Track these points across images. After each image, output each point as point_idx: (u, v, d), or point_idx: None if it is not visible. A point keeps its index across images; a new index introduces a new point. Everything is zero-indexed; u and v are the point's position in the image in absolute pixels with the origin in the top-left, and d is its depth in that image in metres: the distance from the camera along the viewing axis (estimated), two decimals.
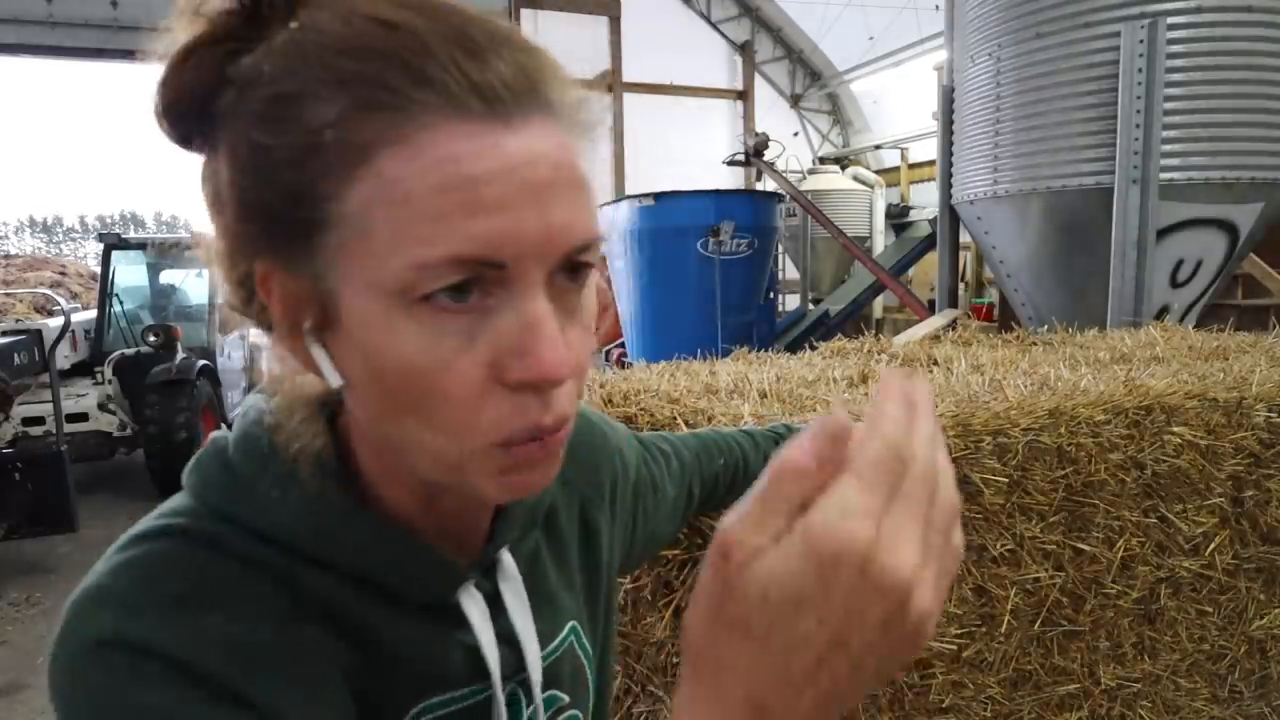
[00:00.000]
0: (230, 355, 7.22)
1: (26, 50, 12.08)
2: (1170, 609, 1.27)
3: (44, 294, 6.69)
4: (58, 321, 5.40)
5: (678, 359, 1.94)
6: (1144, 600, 1.25)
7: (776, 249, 9.07)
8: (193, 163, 0.44)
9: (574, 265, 0.41)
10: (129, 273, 7.20)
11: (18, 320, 6.09)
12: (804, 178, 12.75)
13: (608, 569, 0.65)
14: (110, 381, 5.99)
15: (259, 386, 0.51)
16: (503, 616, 0.53)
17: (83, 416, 5.75)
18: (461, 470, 0.41)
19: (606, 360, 10.52)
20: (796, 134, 16.30)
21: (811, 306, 11.24)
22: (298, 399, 0.47)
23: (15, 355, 5.25)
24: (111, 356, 6.08)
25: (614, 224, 8.99)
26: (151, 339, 5.98)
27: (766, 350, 2.01)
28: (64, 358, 6.00)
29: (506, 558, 0.54)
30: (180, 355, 5.95)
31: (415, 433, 0.41)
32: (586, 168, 0.43)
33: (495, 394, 0.39)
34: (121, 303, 6.77)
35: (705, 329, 8.35)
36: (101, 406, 5.86)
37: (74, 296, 17.30)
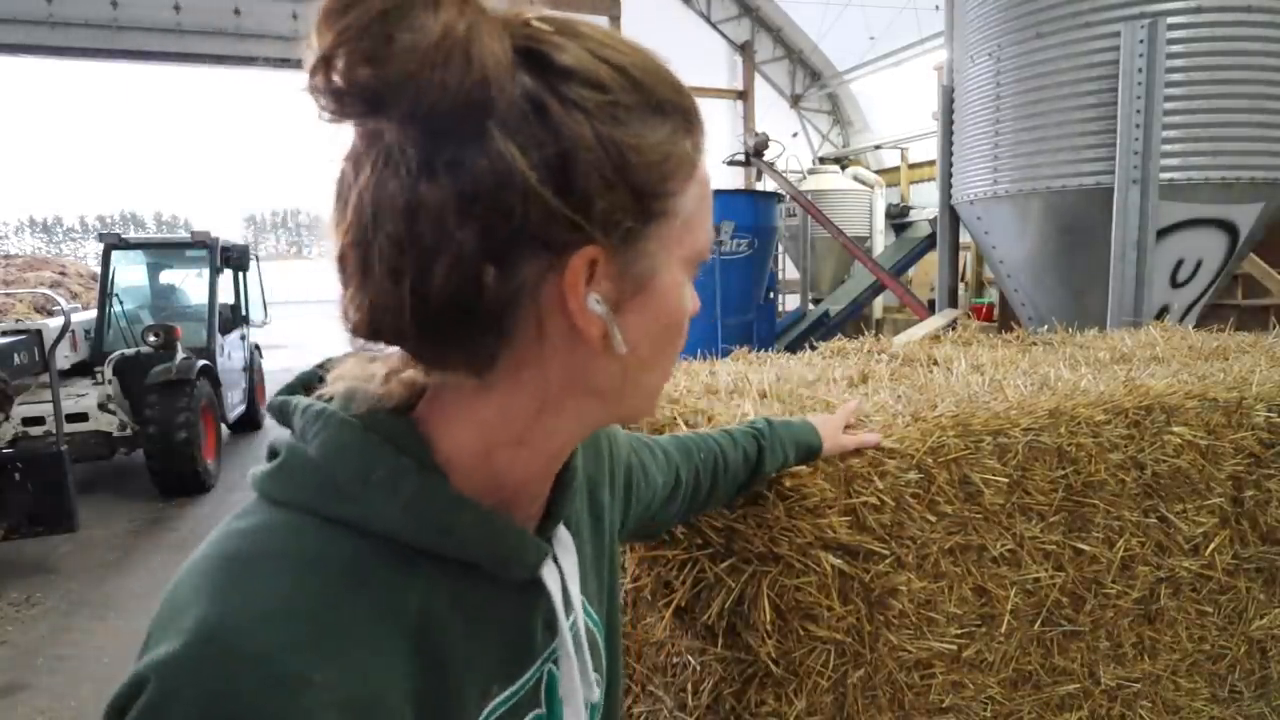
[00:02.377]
0: (230, 355, 7.22)
1: (27, 50, 12.07)
2: (1170, 609, 1.27)
3: (44, 294, 6.67)
4: (58, 321, 5.39)
5: (678, 359, 1.93)
6: (1144, 600, 1.25)
7: (776, 249, 9.08)
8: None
9: None
10: (129, 273, 7.20)
11: (18, 320, 6.08)
12: (804, 177, 12.75)
13: (610, 545, 0.72)
14: (110, 381, 5.98)
15: (320, 393, 0.53)
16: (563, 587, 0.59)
17: (83, 416, 5.75)
18: (655, 397, 0.56)
19: None
20: (796, 134, 16.30)
21: (811, 306, 11.24)
22: (383, 399, 0.51)
23: (15, 355, 5.25)
24: (111, 356, 6.08)
25: None
26: (151, 339, 5.98)
27: (766, 350, 2.01)
28: (64, 358, 6.00)
29: (563, 530, 0.61)
30: (180, 355, 5.95)
31: (665, 368, 0.54)
32: None
33: None
34: (121, 303, 6.77)
35: (705, 329, 8.35)
36: (101, 406, 5.86)
37: (74, 296, 17.27)
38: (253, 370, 8.15)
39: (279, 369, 11.89)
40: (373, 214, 0.43)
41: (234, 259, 7.32)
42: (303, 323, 22.54)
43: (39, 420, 5.52)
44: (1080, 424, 1.18)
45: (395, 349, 0.49)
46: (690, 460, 0.91)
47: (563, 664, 0.58)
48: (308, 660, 0.41)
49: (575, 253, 0.45)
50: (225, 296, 7.27)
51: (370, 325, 0.47)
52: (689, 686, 1.12)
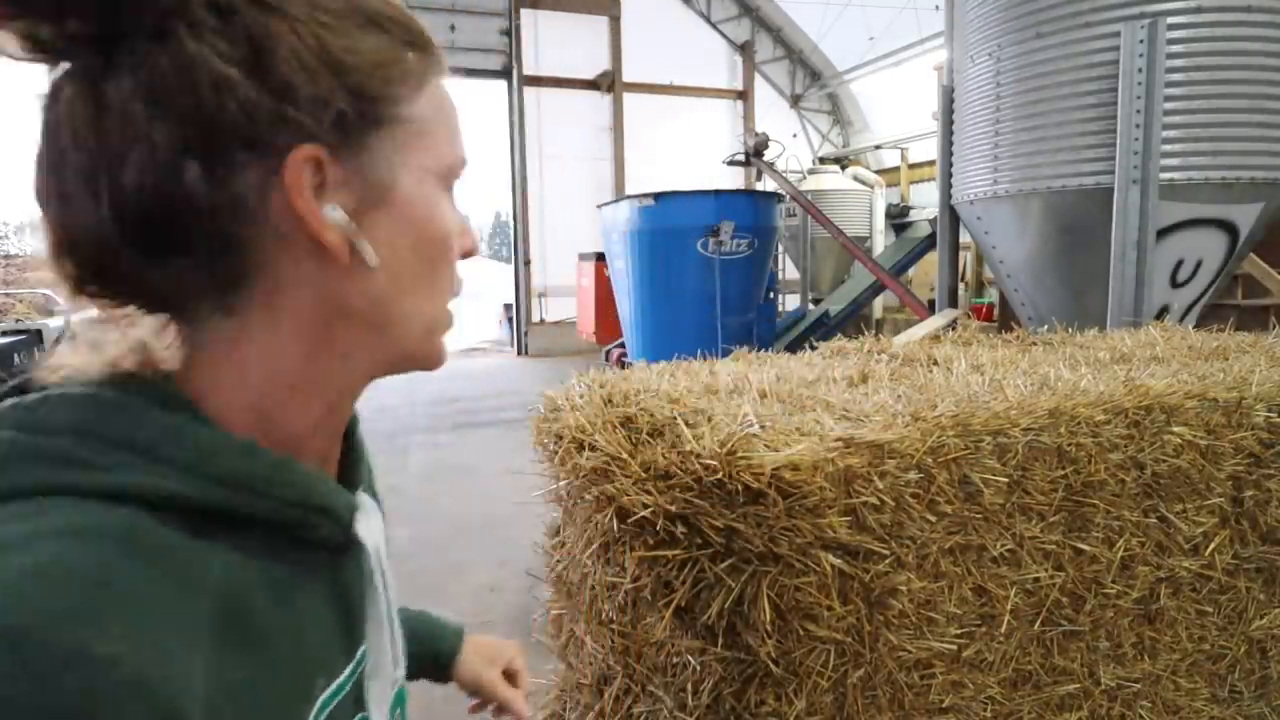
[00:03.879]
0: None
1: None
2: (1170, 609, 1.27)
3: (44, 294, 6.67)
4: (58, 321, 5.39)
5: (678, 359, 1.94)
6: (1144, 600, 1.25)
7: (776, 249, 9.08)
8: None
9: None
10: None
11: (18, 320, 6.08)
12: (804, 178, 12.74)
13: None
14: None
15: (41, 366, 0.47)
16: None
17: None
18: (438, 333, 0.53)
19: (606, 360, 10.52)
20: (796, 135, 16.30)
21: (811, 306, 11.25)
22: (129, 369, 0.45)
23: (15, 355, 5.25)
24: None
25: (614, 224, 8.99)
26: None
27: (767, 350, 2.01)
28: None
29: (363, 494, 0.57)
30: None
31: (437, 292, 0.51)
32: None
33: None
34: None
35: (706, 329, 8.35)
36: None
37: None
38: None
39: None
40: (69, 132, 0.41)
41: None
42: None
43: None
44: (1080, 424, 1.18)
45: (139, 331, 0.46)
46: None
47: (372, 635, 0.54)
48: (84, 631, 0.33)
49: (290, 152, 0.43)
50: None
51: (81, 267, 0.43)
52: (689, 686, 1.12)
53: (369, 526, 0.53)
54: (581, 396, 1.56)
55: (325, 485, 0.49)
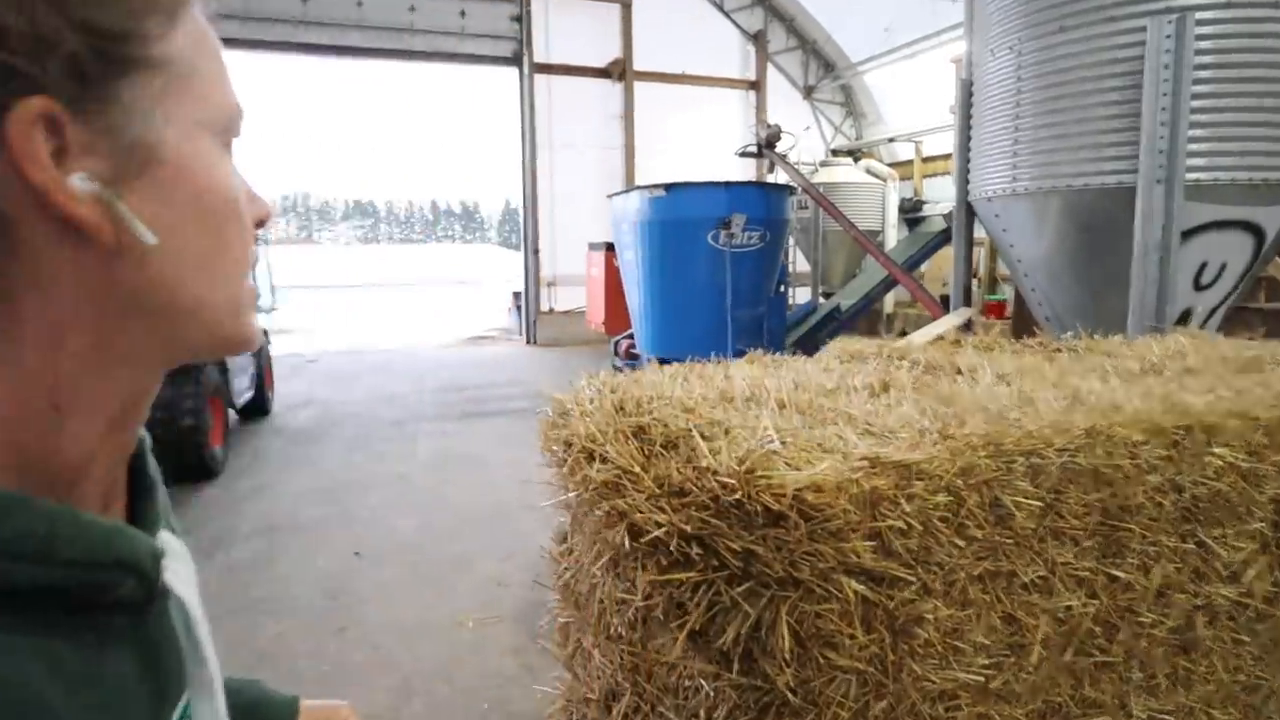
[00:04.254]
0: None
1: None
2: (1206, 638, 1.22)
3: None
4: None
5: (691, 358, 1.89)
6: (1179, 629, 1.20)
7: (788, 242, 8.99)
8: None
9: None
10: None
11: None
12: (816, 170, 12.62)
13: None
14: None
15: None
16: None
17: None
18: (243, 313, 0.44)
19: (615, 351, 10.47)
20: (809, 128, 16.14)
21: (822, 300, 11.15)
22: None
23: None
24: None
25: (624, 214, 8.91)
26: None
27: (778, 347, 1.95)
28: None
29: (166, 535, 0.47)
30: None
31: (227, 272, 0.43)
32: None
33: None
34: None
35: (715, 322, 8.28)
36: None
37: None
38: (261, 356, 8.14)
39: (287, 354, 11.85)
40: None
41: None
42: (310, 307, 22.56)
43: None
44: (1118, 444, 1.13)
45: None
46: None
47: (196, 705, 0.44)
48: None
49: (11, 108, 0.33)
50: None
51: None
52: (701, 712, 1.07)
53: (179, 573, 0.43)
54: (591, 401, 1.52)
55: (121, 535, 0.39)
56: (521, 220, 14.18)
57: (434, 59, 13.77)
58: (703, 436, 1.09)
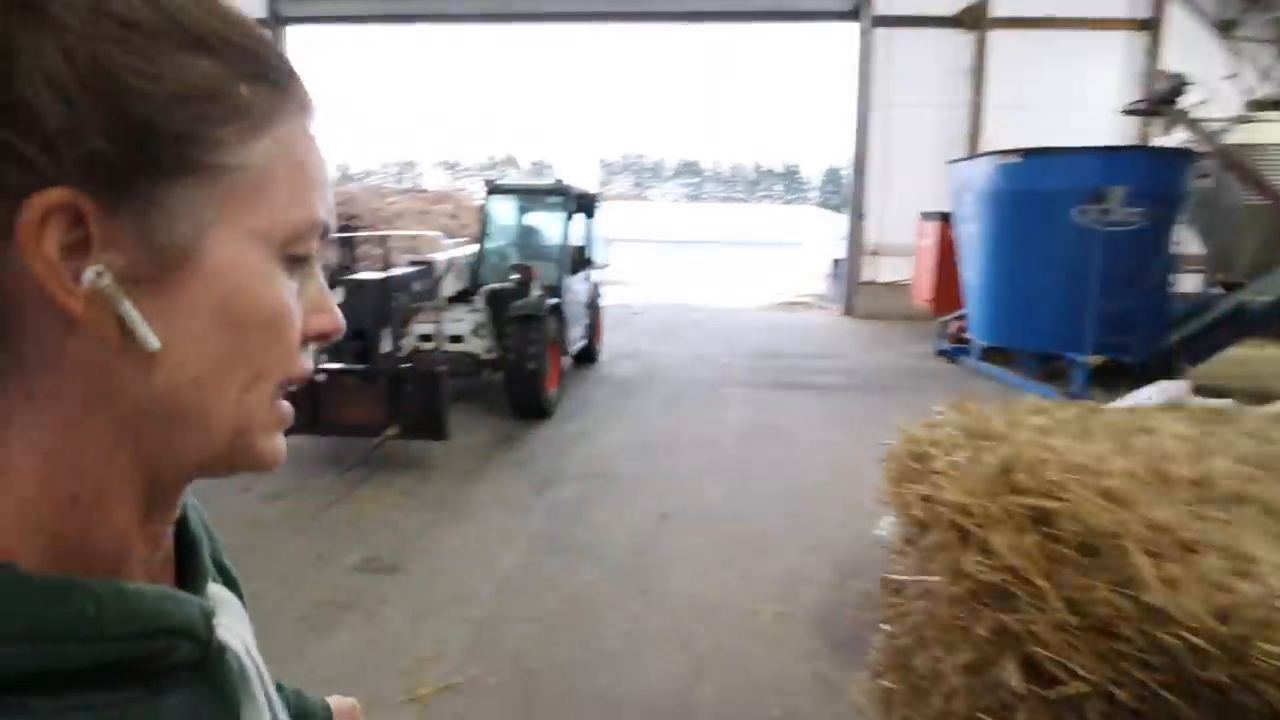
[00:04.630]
0: (575, 293, 7.88)
1: (425, 18, 14.14)
2: None
3: (435, 236, 7.82)
4: (448, 254, 6.30)
5: (1033, 352, 1.51)
6: None
7: (1178, 221, 7.37)
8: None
9: None
10: (503, 214, 8.14)
11: (419, 254, 7.23)
12: (1230, 127, 10.17)
13: None
14: (482, 310, 6.88)
15: None
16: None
17: (459, 339, 6.70)
18: (253, 432, 0.42)
19: (943, 335, 9.61)
20: (1235, 75, 13.00)
21: (1218, 291, 9.05)
22: None
23: (414, 283, 6.24)
24: (484, 288, 6.96)
25: (967, 182, 8.00)
26: (514, 276, 6.72)
27: (1154, 351, 1.48)
28: (449, 287, 7.01)
29: (215, 586, 0.49)
30: (535, 293, 6.61)
31: (243, 384, 0.40)
32: None
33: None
34: (496, 240, 7.71)
35: (1071, 312, 7.13)
36: (474, 332, 6.76)
37: (464, 227, 20.46)
38: (594, 308, 8.85)
39: (615, 304, 12.78)
40: None
41: (584, 205, 7.91)
42: (640, 261, 24.22)
43: (428, 338, 6.56)
44: None
45: None
46: None
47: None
48: None
49: (27, 197, 0.33)
50: (575, 239, 7.91)
51: None
52: None
53: (230, 626, 0.45)
54: (958, 447, 1.25)
55: (171, 601, 0.39)
56: (849, 183, 13.55)
57: (771, 19, 13.57)
58: (1148, 552, 0.80)
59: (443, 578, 3.77)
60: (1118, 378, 7.56)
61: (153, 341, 0.36)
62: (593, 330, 8.76)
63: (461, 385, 6.88)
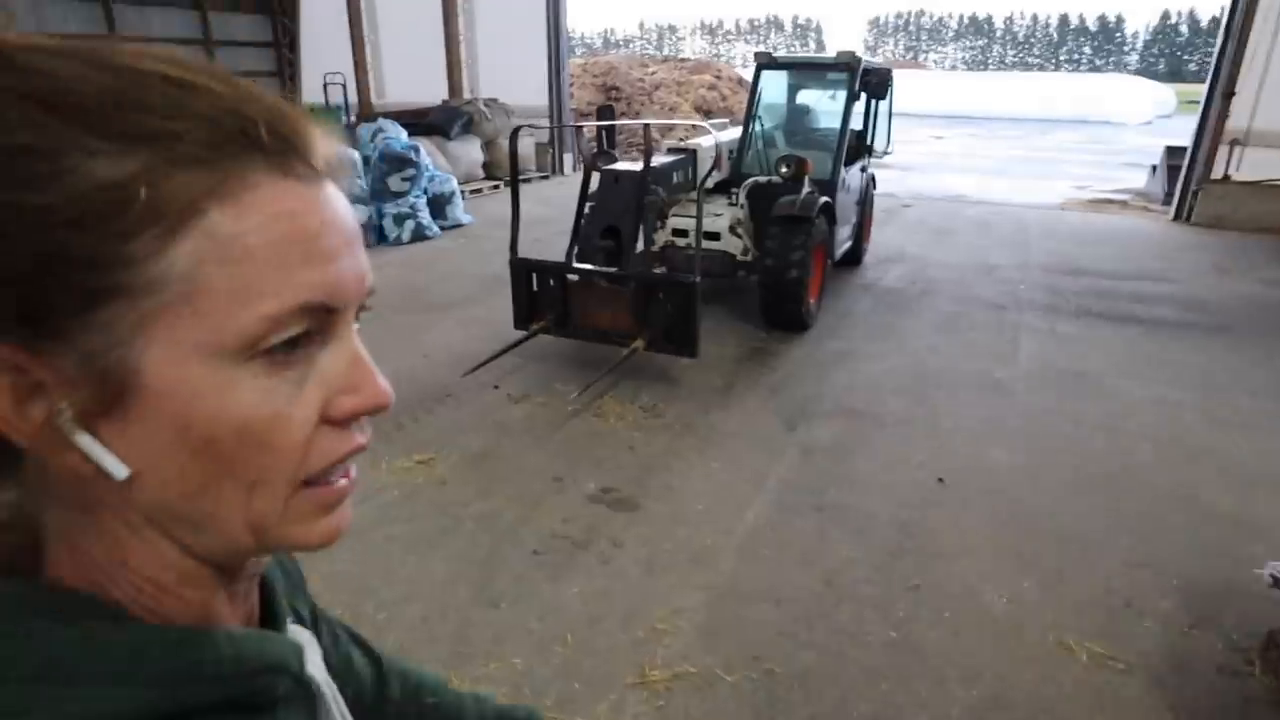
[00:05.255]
0: (849, 188, 6.89)
1: None
2: None
3: (700, 125, 7.08)
4: (713, 139, 5.68)
5: None
6: None
7: None
8: None
9: (363, 305, 0.44)
10: (770, 90, 7.19)
11: (681, 139, 6.62)
12: None
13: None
14: (742, 206, 6.21)
15: None
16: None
17: (715, 235, 6.13)
18: (280, 527, 0.41)
19: None
20: None
21: None
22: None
23: (674, 174, 5.70)
24: (746, 181, 6.25)
25: None
26: (783, 170, 5.92)
27: None
28: (710, 179, 6.38)
29: (295, 627, 0.54)
30: (806, 190, 5.78)
31: (232, 499, 0.39)
32: None
33: (321, 432, 0.41)
34: (762, 123, 6.86)
35: None
36: (731, 229, 6.15)
37: (723, 99, 19.38)
38: (865, 203, 7.78)
39: (882, 193, 11.36)
40: None
41: (872, 85, 6.72)
42: (909, 140, 21.58)
43: (684, 233, 6.07)
44: None
45: None
46: (395, 684, 0.71)
47: None
48: None
49: None
50: (855, 123, 6.82)
51: None
52: None
53: (314, 660, 0.50)
54: None
55: (268, 641, 0.44)
56: (1216, 48, 10.49)
57: None
58: None
59: (681, 527, 3.41)
60: None
61: (118, 470, 0.37)
62: (861, 229, 7.74)
63: (711, 287, 6.38)
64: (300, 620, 0.56)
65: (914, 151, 19.66)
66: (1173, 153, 11.96)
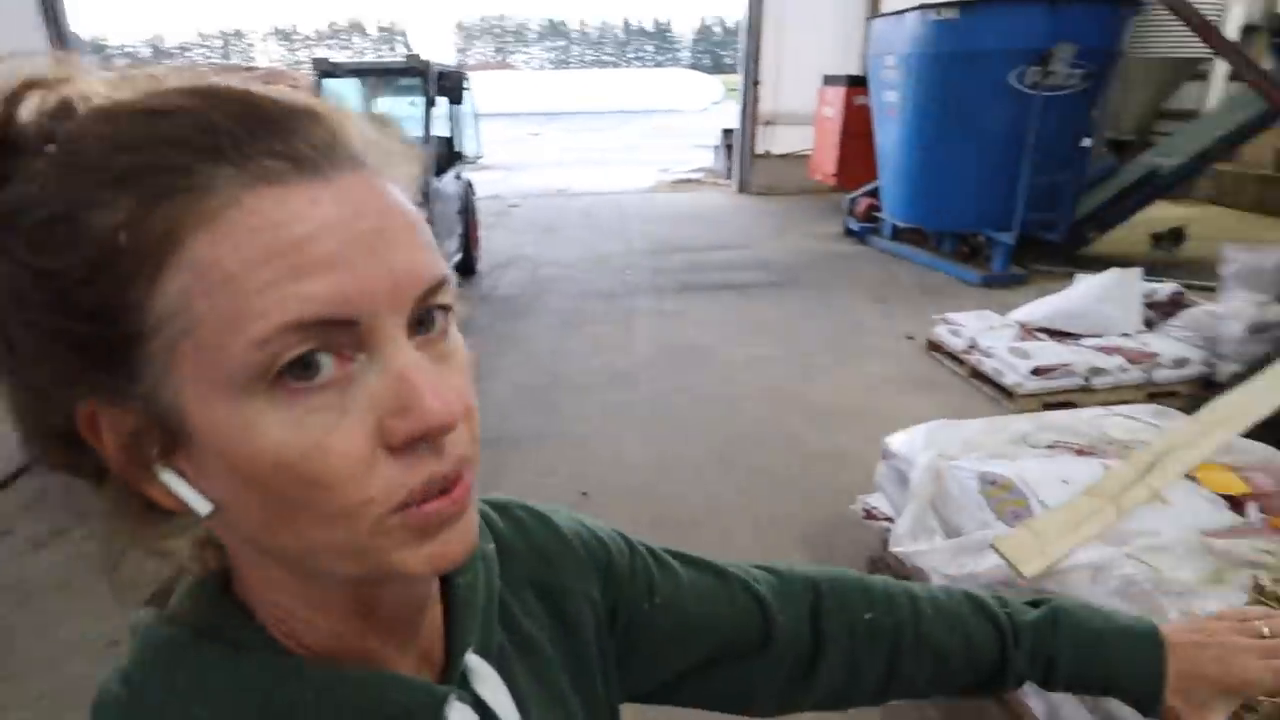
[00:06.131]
0: (445, 198, 6.54)
1: None
2: None
3: None
4: None
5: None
6: None
7: (1111, 81, 6.73)
8: None
9: (431, 309, 0.39)
10: (344, 100, 6.51)
11: None
12: None
13: (603, 659, 0.61)
14: None
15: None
16: None
17: None
18: (377, 554, 0.38)
19: (850, 211, 8.88)
20: None
21: (1109, 155, 8.68)
22: (178, 570, 0.44)
23: None
24: None
25: (889, 43, 7.03)
26: None
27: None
28: None
29: (475, 660, 0.50)
30: None
31: (311, 532, 0.37)
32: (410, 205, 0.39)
33: (383, 462, 0.36)
34: None
35: (996, 188, 6.49)
36: None
37: None
38: (468, 212, 7.52)
39: (488, 195, 11.26)
40: None
41: (448, 87, 6.42)
42: (508, 139, 22.12)
43: None
44: None
45: None
46: (795, 605, 0.67)
47: None
48: None
49: (75, 406, 0.36)
50: (439, 130, 6.48)
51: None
52: None
53: (492, 690, 0.48)
54: None
55: (393, 688, 0.43)
56: (742, 45, 12.24)
57: None
58: None
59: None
60: (1035, 255, 7.15)
61: (201, 506, 0.37)
62: (468, 239, 7.47)
63: None
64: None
65: (515, 150, 20.15)
66: (728, 134, 13.78)
